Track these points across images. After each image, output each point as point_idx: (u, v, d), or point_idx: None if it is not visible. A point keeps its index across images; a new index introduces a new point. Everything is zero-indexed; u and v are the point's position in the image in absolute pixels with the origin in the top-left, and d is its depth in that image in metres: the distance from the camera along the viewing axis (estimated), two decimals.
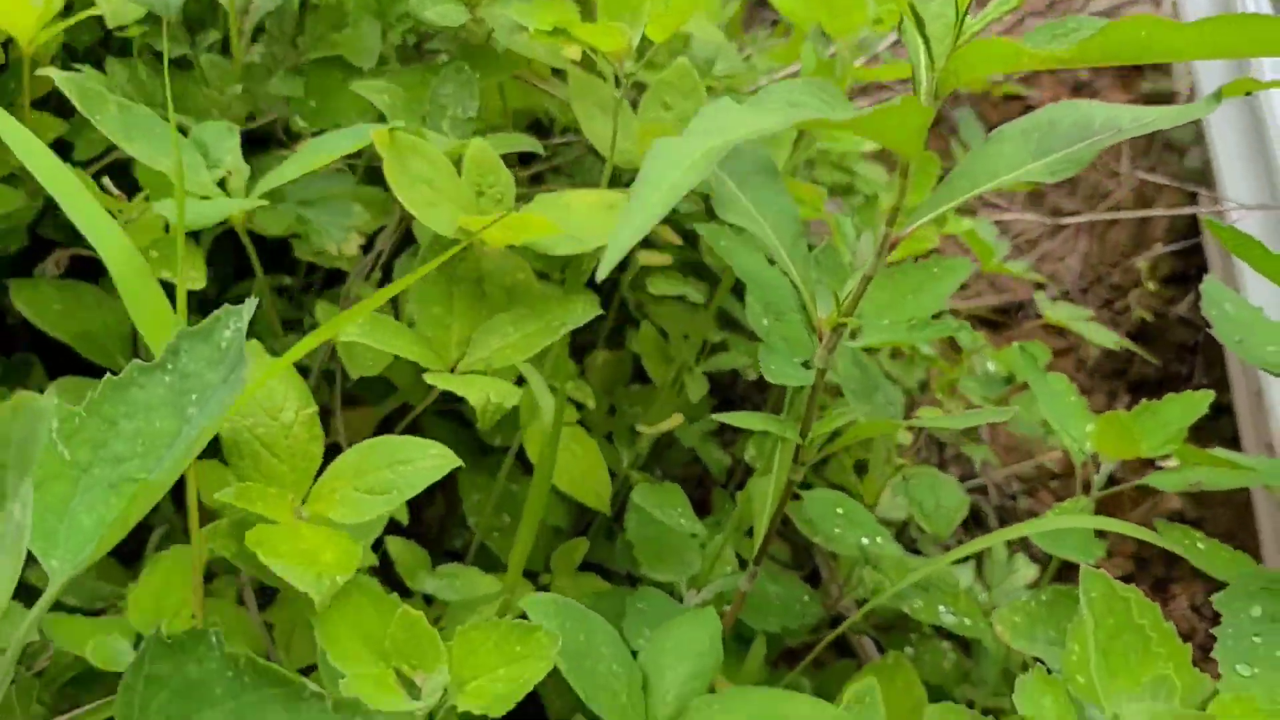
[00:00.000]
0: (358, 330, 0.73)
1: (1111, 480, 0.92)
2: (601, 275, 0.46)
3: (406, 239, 0.93)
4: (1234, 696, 0.58)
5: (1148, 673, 0.58)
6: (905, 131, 0.61)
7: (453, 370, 0.79)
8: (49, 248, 0.90)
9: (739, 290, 0.96)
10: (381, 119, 0.88)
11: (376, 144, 0.76)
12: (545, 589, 0.90)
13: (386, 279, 0.95)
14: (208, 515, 0.72)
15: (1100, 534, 0.88)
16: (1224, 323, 0.73)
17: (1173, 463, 0.92)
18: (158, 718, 0.28)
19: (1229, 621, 0.64)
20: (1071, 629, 0.62)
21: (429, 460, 0.66)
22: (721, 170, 0.75)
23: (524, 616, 0.67)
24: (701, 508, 1.01)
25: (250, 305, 0.41)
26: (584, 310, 0.80)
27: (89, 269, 0.88)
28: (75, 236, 0.88)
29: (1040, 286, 1.72)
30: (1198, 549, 0.82)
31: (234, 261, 0.98)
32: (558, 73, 1.02)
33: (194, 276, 0.77)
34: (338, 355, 0.87)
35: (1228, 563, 0.81)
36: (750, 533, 1.04)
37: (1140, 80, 2.03)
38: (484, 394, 0.72)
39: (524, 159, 1.06)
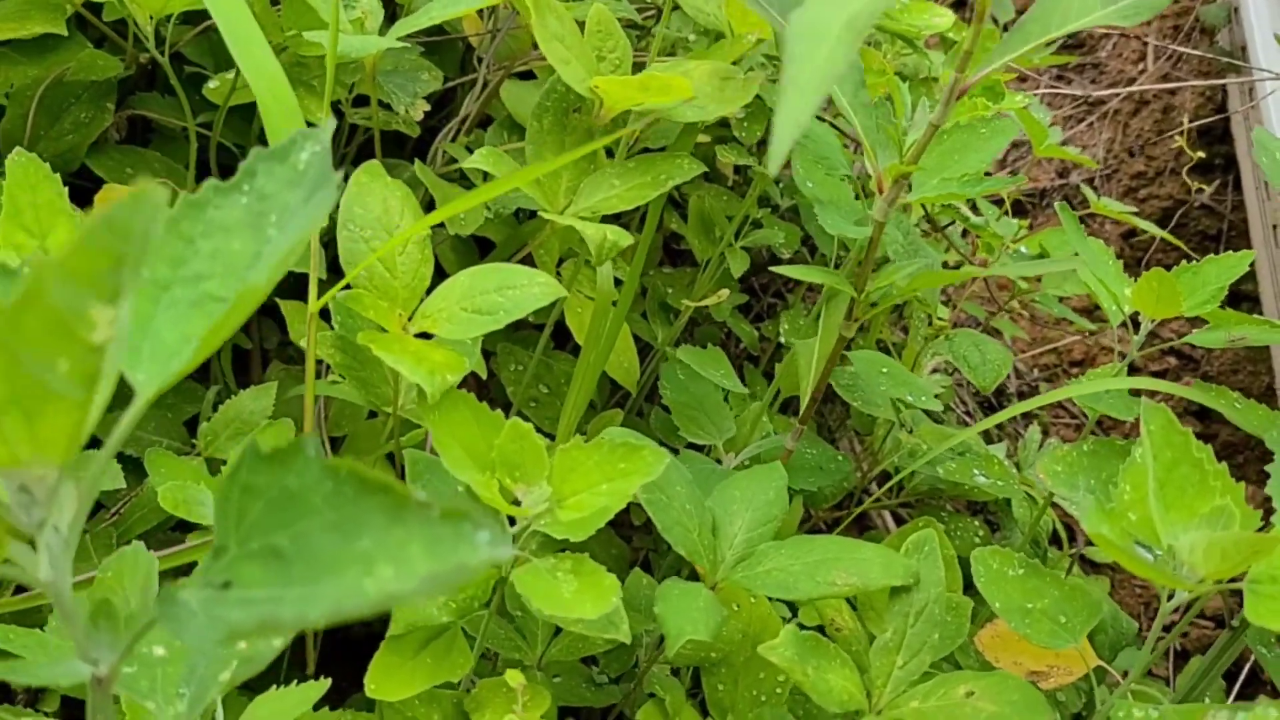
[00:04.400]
0: (481, 159, 0.75)
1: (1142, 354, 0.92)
2: (773, 170, 0.43)
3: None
4: None
5: (1204, 506, 0.58)
6: None
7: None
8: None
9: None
10: None
11: None
12: None
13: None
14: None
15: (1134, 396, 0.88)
16: (1275, 169, 0.72)
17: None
18: (255, 529, 0.28)
19: None
20: (1124, 470, 0.63)
21: (537, 287, 0.67)
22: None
23: None
24: None
25: (329, 126, 0.39)
26: (689, 167, 0.80)
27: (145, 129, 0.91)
28: (124, 100, 0.89)
29: (1064, 174, 1.70)
30: (1235, 407, 0.82)
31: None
32: None
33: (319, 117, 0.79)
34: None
35: (1264, 420, 0.81)
36: (784, 407, 1.04)
37: None
38: (601, 232, 0.73)
39: None
